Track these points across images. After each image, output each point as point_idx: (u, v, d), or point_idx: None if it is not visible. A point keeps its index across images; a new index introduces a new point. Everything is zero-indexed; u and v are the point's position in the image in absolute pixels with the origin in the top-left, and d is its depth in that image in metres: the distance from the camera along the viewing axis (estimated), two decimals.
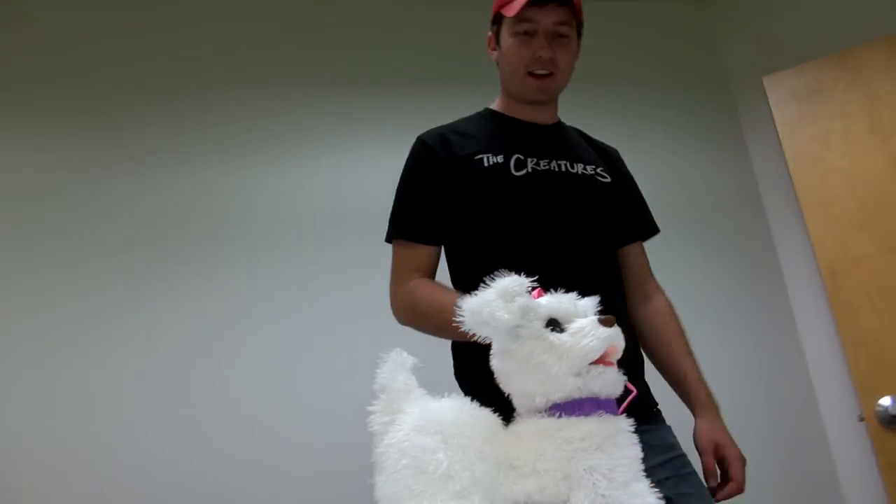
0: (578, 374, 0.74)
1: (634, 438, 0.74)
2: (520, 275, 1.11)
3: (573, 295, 0.82)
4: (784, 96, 2.21)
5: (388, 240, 1.29)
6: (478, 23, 2.54)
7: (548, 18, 1.24)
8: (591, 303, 0.81)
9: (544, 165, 1.27)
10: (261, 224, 2.16)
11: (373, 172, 2.23)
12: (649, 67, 2.59)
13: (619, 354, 0.77)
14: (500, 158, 1.26)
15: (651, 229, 1.44)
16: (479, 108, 1.41)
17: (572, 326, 0.75)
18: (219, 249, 2.10)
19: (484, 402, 1.22)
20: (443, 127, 1.34)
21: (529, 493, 0.70)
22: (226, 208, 2.15)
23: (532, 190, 1.24)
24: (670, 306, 1.36)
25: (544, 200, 1.24)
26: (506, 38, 1.29)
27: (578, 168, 1.30)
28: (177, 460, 1.89)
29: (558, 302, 0.78)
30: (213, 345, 2.02)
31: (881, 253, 1.97)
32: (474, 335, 0.78)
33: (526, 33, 1.26)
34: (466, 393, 1.25)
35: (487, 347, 1.08)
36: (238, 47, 2.33)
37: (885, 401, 1.82)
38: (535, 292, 0.80)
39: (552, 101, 1.35)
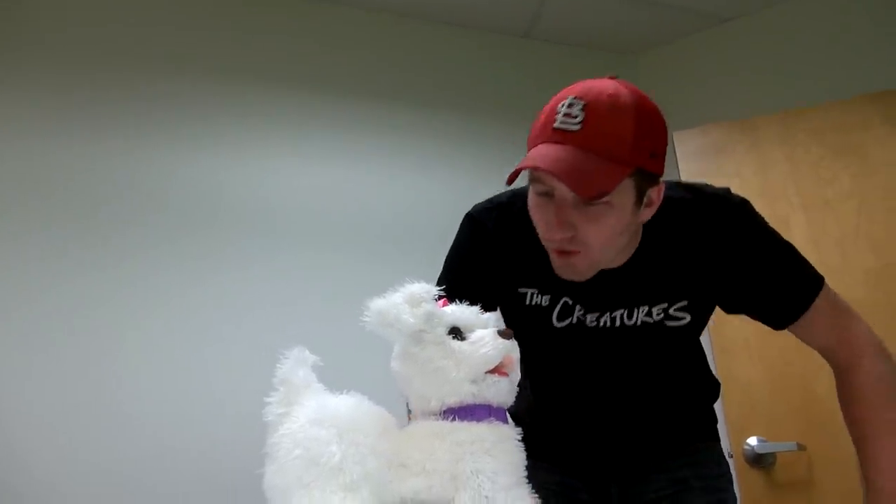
0: (474, 381, 0.77)
1: (520, 446, 0.78)
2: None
3: (477, 308, 0.85)
4: (690, 152, 2.38)
5: None
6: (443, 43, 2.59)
7: (561, 185, 0.91)
8: (493, 316, 0.85)
9: (591, 321, 1.08)
10: (168, 212, 2.11)
11: (283, 170, 2.22)
12: None
13: (514, 366, 0.81)
14: (545, 300, 1.09)
15: (780, 320, 1.11)
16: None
17: (473, 336, 0.79)
18: (112, 236, 2.03)
19: (529, 446, 1.27)
20: (495, 213, 1.11)
21: (417, 490, 0.73)
22: (130, 195, 2.08)
23: (572, 345, 1.10)
24: (873, 380, 1.06)
25: (584, 360, 1.12)
26: (530, 190, 1.01)
27: (639, 316, 1.07)
28: (70, 452, 1.79)
29: (462, 311, 0.82)
30: (105, 335, 1.94)
31: None
32: None
33: (544, 194, 0.96)
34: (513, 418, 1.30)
35: (531, 412, 1.17)
36: (234, 37, 2.30)
37: (752, 440, 1.96)
38: (440, 301, 0.83)
39: (592, 273, 1.01)
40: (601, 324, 1.08)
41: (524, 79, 2.70)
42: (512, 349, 0.79)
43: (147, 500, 1.82)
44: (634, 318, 1.07)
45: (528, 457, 1.24)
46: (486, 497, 0.71)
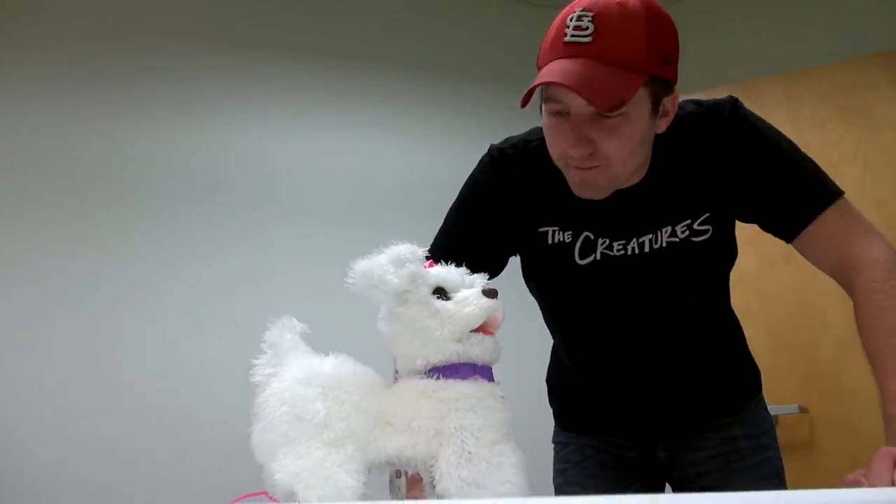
0: (459, 340, 0.78)
1: (505, 403, 0.78)
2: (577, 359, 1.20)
3: (463, 269, 0.86)
4: None
5: None
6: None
7: (577, 99, 0.90)
8: (479, 277, 0.85)
9: (618, 249, 1.07)
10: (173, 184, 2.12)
11: (281, 141, 2.23)
12: None
13: (499, 325, 0.82)
14: (567, 237, 1.09)
15: (791, 226, 1.04)
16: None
17: (457, 296, 0.80)
18: (113, 209, 2.05)
19: (571, 421, 1.29)
20: (518, 154, 1.12)
21: (402, 448, 0.74)
22: (135, 167, 2.10)
23: (599, 284, 1.09)
24: (877, 280, 0.93)
25: (614, 300, 1.10)
26: (544, 111, 1.00)
27: (663, 238, 1.06)
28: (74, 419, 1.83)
29: (447, 272, 0.82)
30: (107, 308, 1.97)
31: (763, 269, 2.13)
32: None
33: (559, 114, 0.97)
34: (557, 413, 1.34)
35: (570, 381, 1.24)
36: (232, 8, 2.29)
37: None
38: (426, 263, 0.84)
39: (611, 190, 1.01)
40: (628, 251, 1.07)
41: (525, 45, 2.67)
42: (496, 308, 0.80)
43: (147, 462, 1.87)
44: (660, 242, 1.06)
45: (571, 430, 1.28)
46: (470, 453, 0.72)
